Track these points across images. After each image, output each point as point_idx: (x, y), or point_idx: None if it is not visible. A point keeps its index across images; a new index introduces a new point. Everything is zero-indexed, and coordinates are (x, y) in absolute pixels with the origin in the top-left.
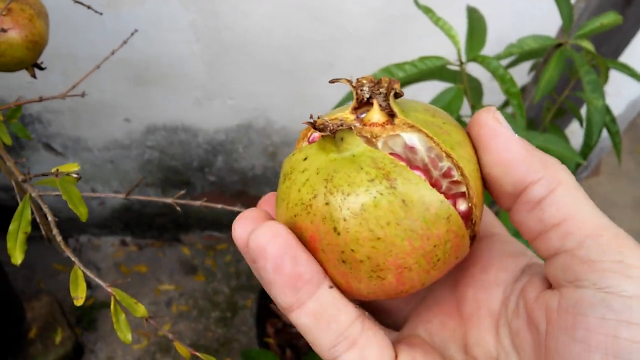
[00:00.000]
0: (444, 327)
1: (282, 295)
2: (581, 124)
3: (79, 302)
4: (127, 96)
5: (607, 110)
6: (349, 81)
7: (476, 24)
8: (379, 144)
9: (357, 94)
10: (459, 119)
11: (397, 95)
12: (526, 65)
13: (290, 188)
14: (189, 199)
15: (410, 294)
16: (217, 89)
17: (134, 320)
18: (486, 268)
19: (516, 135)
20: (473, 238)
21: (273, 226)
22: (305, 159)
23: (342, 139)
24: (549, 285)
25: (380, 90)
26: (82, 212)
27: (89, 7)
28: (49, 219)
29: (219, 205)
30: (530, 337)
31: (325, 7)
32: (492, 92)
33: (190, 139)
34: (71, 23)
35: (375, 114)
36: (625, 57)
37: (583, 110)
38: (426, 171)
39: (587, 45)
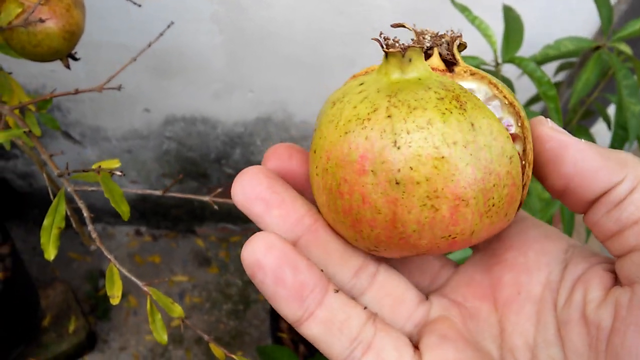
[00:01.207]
0: (476, 311)
1: (288, 308)
2: (609, 127)
3: (115, 301)
4: (147, 86)
5: None
6: (412, 28)
7: (513, 23)
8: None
9: (418, 41)
10: None
11: (461, 47)
12: (552, 64)
13: (342, 109)
14: (205, 191)
15: (454, 246)
16: (237, 81)
17: (145, 313)
18: (524, 251)
19: (582, 140)
20: (520, 204)
21: (266, 237)
22: (362, 83)
23: (410, 60)
24: (614, 281)
25: (443, 40)
26: (124, 211)
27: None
28: (85, 215)
29: (231, 200)
30: (585, 331)
31: (349, 0)
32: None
33: (208, 130)
34: (96, 11)
35: (435, 60)
36: None
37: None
38: None
39: (625, 48)
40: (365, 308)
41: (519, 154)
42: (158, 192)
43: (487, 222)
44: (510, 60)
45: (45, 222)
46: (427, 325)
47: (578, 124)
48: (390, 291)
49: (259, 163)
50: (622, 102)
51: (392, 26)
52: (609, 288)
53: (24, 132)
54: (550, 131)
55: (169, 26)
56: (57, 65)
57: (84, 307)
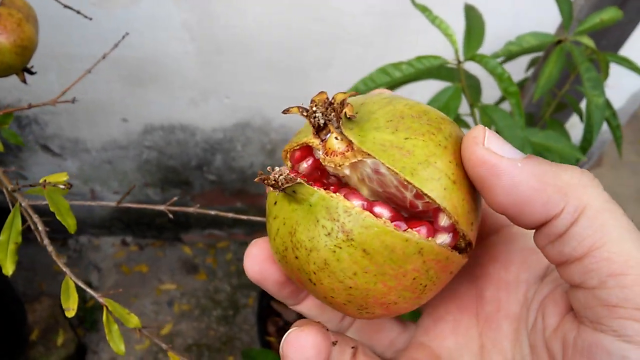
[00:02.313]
0: (458, 326)
1: None
2: (581, 119)
3: (70, 314)
4: (123, 96)
5: (608, 104)
6: (300, 110)
7: (474, 22)
8: (346, 172)
9: (310, 122)
10: (457, 118)
11: (350, 117)
12: (525, 58)
13: (270, 232)
14: (189, 198)
15: (410, 310)
16: (213, 88)
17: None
18: (507, 265)
19: (519, 163)
20: (469, 246)
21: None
22: (275, 203)
23: (293, 191)
24: (569, 307)
25: (332, 115)
26: (69, 224)
27: (78, 12)
28: (40, 228)
29: (212, 212)
30: (548, 357)
31: (322, 5)
32: (491, 87)
33: (188, 138)
34: (65, 23)
35: (335, 143)
36: (625, 50)
37: (583, 104)
38: (400, 192)
39: (587, 41)
40: (353, 347)
41: (436, 228)
42: (112, 204)
43: (428, 294)
44: (472, 58)
45: (2, 237)
46: (403, 352)
47: (552, 117)
48: (371, 322)
49: (240, 169)
50: (586, 95)
51: (283, 112)
52: (564, 314)
53: None
54: (483, 153)
55: (123, 37)
56: (31, 78)
57: (72, 319)
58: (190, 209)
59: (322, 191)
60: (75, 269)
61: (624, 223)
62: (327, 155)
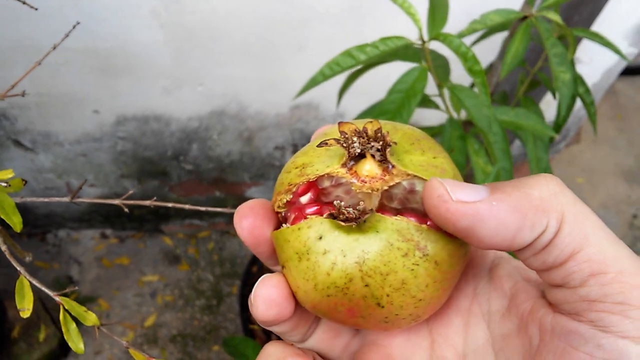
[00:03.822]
0: (409, 328)
1: None
2: (554, 96)
3: (25, 314)
4: (94, 87)
5: (581, 80)
6: (339, 142)
7: (437, 1)
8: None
9: (349, 152)
10: (425, 99)
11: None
12: (499, 38)
13: (313, 270)
14: (167, 189)
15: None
16: (185, 76)
17: (120, 313)
18: None
19: (493, 202)
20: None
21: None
22: (320, 238)
23: (364, 221)
24: (542, 293)
25: (373, 144)
26: (15, 222)
27: (24, 3)
28: None
29: (186, 206)
30: (521, 343)
31: None
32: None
33: (162, 128)
34: (31, 15)
35: (373, 169)
36: (597, 25)
37: None
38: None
39: (554, 16)
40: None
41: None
42: (66, 199)
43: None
44: (435, 37)
45: None
46: (357, 353)
47: (525, 95)
48: (328, 328)
49: (217, 157)
50: (552, 71)
51: (317, 146)
52: (534, 299)
53: None
54: (457, 207)
55: (74, 27)
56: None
57: (54, 314)
58: (170, 204)
59: (387, 216)
60: (55, 264)
61: (595, 222)
62: (364, 183)
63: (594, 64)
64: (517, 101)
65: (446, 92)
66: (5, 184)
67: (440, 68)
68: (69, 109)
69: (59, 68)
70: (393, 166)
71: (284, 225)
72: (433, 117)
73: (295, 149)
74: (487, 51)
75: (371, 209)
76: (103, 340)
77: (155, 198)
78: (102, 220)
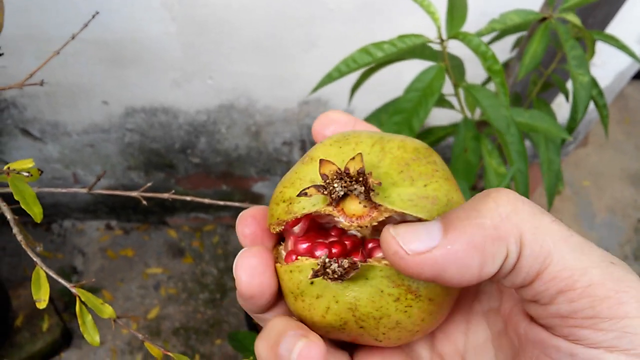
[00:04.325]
0: None
1: None
2: (567, 98)
3: (41, 305)
4: (103, 78)
5: (594, 83)
6: (319, 189)
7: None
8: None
9: (331, 198)
10: (442, 99)
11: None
12: (511, 38)
13: (309, 311)
14: (173, 181)
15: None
16: (195, 69)
17: (124, 305)
18: None
19: (448, 245)
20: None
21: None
22: (312, 282)
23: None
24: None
25: (356, 187)
26: (35, 213)
27: None
28: (9, 217)
29: (188, 198)
30: (509, 343)
31: None
32: (476, 67)
33: (170, 120)
34: (41, 4)
35: (358, 209)
36: (612, 28)
37: (570, 83)
38: None
39: (573, 18)
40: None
41: None
42: (83, 190)
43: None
44: (454, 36)
45: None
46: (358, 348)
47: (538, 97)
48: None
49: (225, 151)
50: (571, 73)
51: (297, 196)
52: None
53: None
54: (415, 260)
55: (93, 16)
56: (9, 61)
57: (58, 304)
58: (165, 195)
59: (375, 263)
60: (60, 254)
61: (557, 233)
62: (353, 221)
63: (606, 66)
64: (529, 102)
65: (461, 92)
66: (27, 174)
67: (456, 68)
68: (78, 99)
69: (68, 58)
70: (380, 205)
71: (281, 247)
72: (444, 116)
73: (303, 144)
74: (499, 51)
75: (356, 265)
76: (106, 331)
77: (173, 192)
78: (107, 211)
